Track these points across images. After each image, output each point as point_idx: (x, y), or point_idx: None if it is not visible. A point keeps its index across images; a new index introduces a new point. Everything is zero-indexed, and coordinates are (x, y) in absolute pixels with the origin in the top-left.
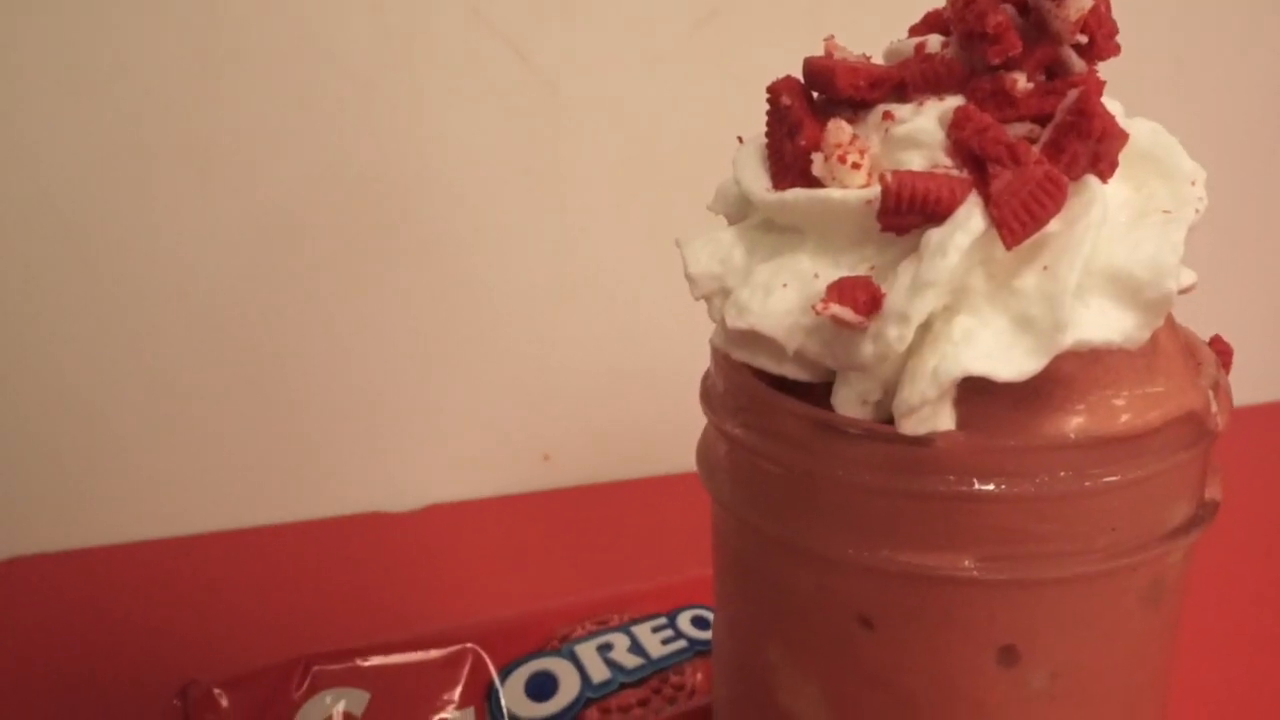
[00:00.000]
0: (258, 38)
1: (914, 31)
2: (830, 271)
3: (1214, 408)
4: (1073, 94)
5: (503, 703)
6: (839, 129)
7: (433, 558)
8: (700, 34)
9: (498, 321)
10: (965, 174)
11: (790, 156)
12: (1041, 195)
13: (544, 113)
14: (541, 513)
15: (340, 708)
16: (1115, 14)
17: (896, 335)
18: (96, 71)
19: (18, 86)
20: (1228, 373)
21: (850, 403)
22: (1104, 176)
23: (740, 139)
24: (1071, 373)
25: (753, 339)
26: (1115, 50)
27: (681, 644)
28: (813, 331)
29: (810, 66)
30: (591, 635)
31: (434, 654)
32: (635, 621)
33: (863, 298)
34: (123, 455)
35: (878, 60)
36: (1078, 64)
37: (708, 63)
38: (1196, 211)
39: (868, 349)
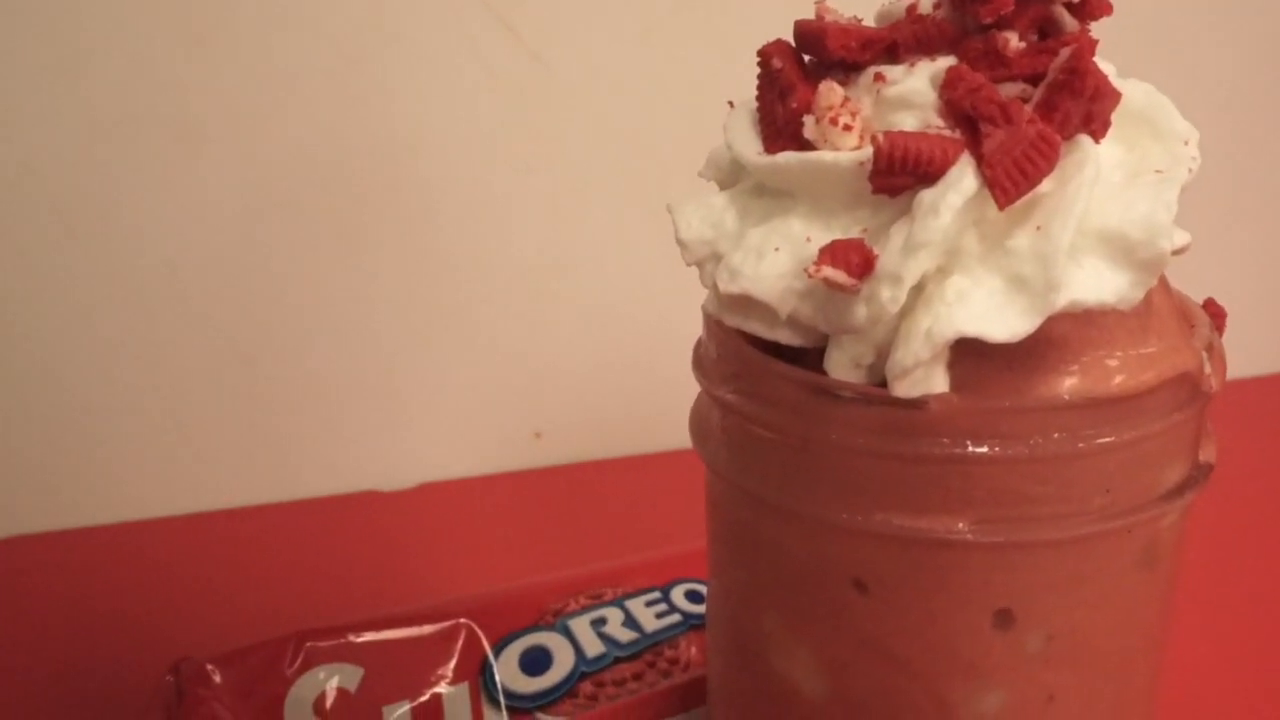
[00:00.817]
0: (243, 13)
1: None
2: (823, 234)
3: (1208, 369)
4: (1065, 52)
5: (497, 677)
6: (830, 91)
7: (426, 535)
8: (690, 2)
9: (488, 299)
10: (958, 134)
11: (782, 119)
12: (1034, 155)
13: (534, 85)
14: (533, 490)
15: (334, 683)
16: None
17: (889, 297)
18: (80, 48)
19: (1, 63)
20: (1221, 335)
21: (843, 366)
22: (1096, 136)
23: (731, 103)
24: (1065, 333)
25: (745, 304)
26: (1107, 9)
27: (675, 618)
28: (806, 295)
29: (801, 29)
30: (585, 610)
31: (427, 629)
32: (629, 596)
33: (855, 260)
34: (114, 435)
35: (869, 22)
36: (1070, 23)
37: (697, 33)
38: (1190, 171)
39: (861, 311)
